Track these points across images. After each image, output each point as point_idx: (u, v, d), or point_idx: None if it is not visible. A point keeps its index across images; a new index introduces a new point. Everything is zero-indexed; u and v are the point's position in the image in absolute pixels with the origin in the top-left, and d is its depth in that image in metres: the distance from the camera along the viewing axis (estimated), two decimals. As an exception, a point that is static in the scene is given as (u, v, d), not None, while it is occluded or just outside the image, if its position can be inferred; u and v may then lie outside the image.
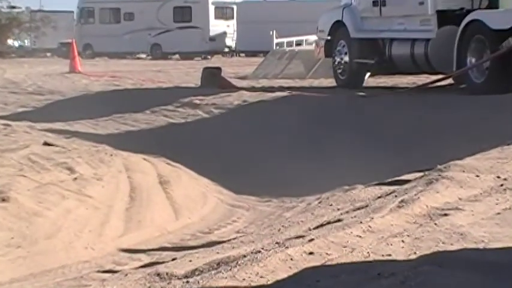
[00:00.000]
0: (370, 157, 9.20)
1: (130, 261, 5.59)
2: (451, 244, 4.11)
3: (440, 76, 13.48)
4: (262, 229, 6.11)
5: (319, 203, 6.71)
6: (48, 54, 46.73)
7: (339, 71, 15.63)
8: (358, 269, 3.66)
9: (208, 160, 9.45)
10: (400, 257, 3.91)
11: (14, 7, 41.48)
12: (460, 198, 5.26)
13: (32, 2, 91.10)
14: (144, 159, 8.44)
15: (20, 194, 5.99)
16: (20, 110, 15.00)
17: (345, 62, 15.39)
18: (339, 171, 8.54)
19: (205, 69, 17.43)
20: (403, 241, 4.15)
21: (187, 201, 7.43)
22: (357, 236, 4.29)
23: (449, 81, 14.27)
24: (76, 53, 25.24)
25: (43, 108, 15.15)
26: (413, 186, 5.84)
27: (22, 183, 6.31)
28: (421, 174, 6.38)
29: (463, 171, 6.07)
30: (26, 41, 48.79)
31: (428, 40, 13.38)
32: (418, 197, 5.15)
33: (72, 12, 48.99)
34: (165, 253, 5.71)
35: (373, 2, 14.66)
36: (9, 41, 44.51)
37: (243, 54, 42.83)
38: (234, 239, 5.66)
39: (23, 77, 21.77)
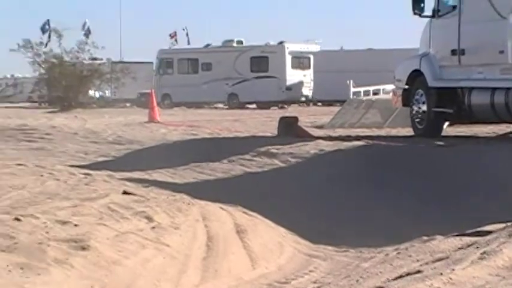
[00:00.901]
0: (450, 207, 9.06)
1: (207, 311, 5.58)
2: (536, 298, 4.00)
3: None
4: (339, 280, 6.04)
5: (398, 253, 6.62)
6: (128, 104, 47.57)
7: (417, 120, 15.50)
8: (439, 322, 3.58)
9: (285, 209, 9.42)
10: (483, 310, 3.81)
11: (95, 59, 42.41)
12: (544, 250, 5.12)
13: (113, 53, 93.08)
14: (221, 208, 8.47)
15: (100, 243, 6.05)
16: (100, 159, 15.26)
17: (423, 111, 15.26)
18: (417, 220, 8.42)
19: (282, 118, 17.49)
20: (485, 294, 4.06)
21: (264, 250, 7.41)
22: (438, 288, 4.21)
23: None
24: (155, 103, 25.59)
25: (122, 157, 15.38)
26: (495, 237, 5.72)
27: (102, 232, 6.38)
28: (503, 225, 6.26)
29: (547, 222, 5.93)
30: (106, 91, 49.75)
31: (509, 89, 13.19)
32: (501, 249, 5.04)
33: (152, 63, 49.97)
34: (242, 303, 5.68)
35: (452, 50, 14.55)
36: (91, 92, 45.41)
37: (319, 104, 42.89)
38: (311, 289, 5.61)
39: (103, 127, 22.18)
